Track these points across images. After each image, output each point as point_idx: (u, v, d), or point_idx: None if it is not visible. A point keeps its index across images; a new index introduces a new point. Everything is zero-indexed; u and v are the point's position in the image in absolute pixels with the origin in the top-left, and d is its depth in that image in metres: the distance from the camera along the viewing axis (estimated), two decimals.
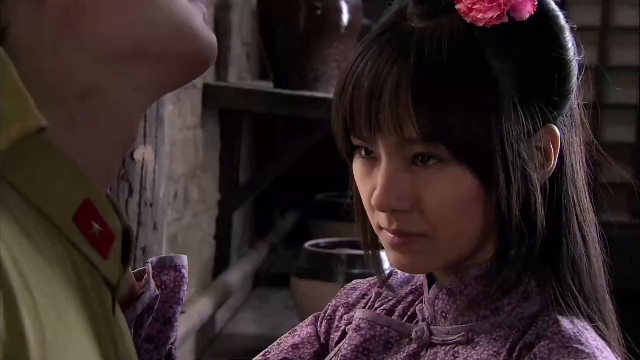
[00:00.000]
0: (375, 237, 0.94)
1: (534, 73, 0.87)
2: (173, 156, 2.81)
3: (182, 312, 3.22)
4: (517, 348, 0.86)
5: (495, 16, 0.85)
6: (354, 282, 1.04)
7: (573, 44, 0.91)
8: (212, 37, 0.69)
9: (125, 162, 2.30)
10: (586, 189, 0.92)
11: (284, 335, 1.02)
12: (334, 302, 1.03)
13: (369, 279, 1.04)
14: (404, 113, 0.84)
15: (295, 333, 1.02)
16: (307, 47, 3.41)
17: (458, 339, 0.89)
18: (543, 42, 0.88)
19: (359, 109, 0.87)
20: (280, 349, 1.00)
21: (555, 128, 0.89)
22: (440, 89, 0.84)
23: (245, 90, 3.46)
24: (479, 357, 0.87)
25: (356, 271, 3.27)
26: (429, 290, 0.92)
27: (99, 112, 0.65)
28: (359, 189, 0.91)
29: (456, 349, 0.89)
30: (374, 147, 0.88)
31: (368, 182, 0.89)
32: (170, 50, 0.66)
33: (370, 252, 0.96)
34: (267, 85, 3.58)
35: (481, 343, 0.88)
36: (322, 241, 3.56)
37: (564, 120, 0.90)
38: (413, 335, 0.92)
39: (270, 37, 3.48)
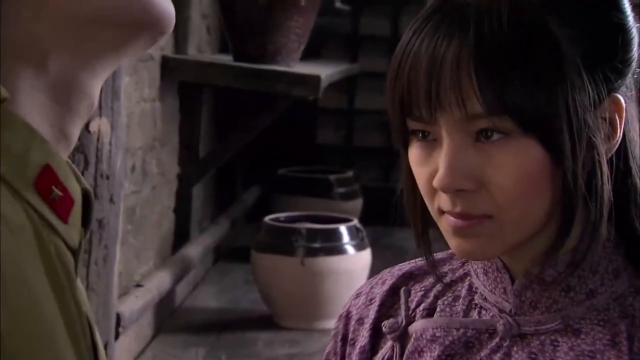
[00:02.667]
0: (428, 228, 0.90)
1: (597, 38, 0.85)
2: (130, 128, 2.79)
3: (140, 285, 3.19)
4: (637, 337, 0.84)
5: None
6: (355, 294, 0.99)
7: (631, 11, 0.89)
8: (170, 7, 0.69)
9: (81, 134, 2.28)
10: None
11: None
12: (342, 320, 0.98)
13: (365, 286, 0.99)
14: (467, 87, 0.82)
15: None
16: (267, 20, 3.39)
17: (555, 327, 0.87)
18: (604, 6, 0.86)
19: (417, 88, 0.84)
20: None
21: (621, 97, 0.87)
22: (504, 59, 0.82)
23: (205, 63, 3.44)
24: (591, 348, 0.85)
25: (316, 245, 3.27)
26: (511, 282, 0.89)
27: (59, 79, 0.65)
28: (416, 175, 0.87)
29: (553, 337, 0.87)
30: (433, 127, 0.85)
31: (427, 165, 0.86)
32: (129, 19, 0.66)
33: (423, 244, 0.92)
34: (227, 59, 3.56)
35: (584, 330, 0.86)
36: (282, 215, 3.56)
37: (625, 91, 0.88)
38: (499, 328, 0.88)
39: (230, 9, 3.46)
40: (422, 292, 0.95)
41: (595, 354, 0.84)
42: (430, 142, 0.85)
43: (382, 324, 0.94)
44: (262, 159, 4.71)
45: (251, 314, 3.38)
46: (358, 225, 3.36)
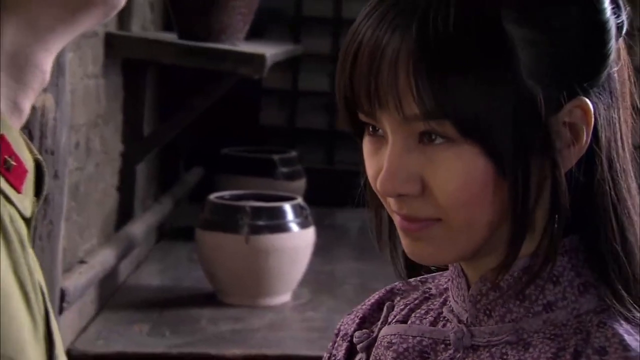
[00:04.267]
0: (392, 226, 0.85)
1: (558, 39, 0.77)
2: (73, 105, 2.77)
3: (83, 262, 3.16)
4: (585, 354, 0.78)
5: None
6: (350, 312, 0.95)
7: (610, 2, 0.80)
8: None
9: None
10: (632, 171, 0.82)
11: None
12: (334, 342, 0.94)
13: (361, 304, 0.95)
14: (404, 86, 0.75)
15: None
16: None
17: (506, 339, 0.81)
18: (570, 2, 0.78)
19: (359, 81, 0.77)
20: None
21: (587, 101, 0.78)
22: (446, 58, 0.74)
23: (149, 40, 3.43)
24: None
25: (260, 223, 3.29)
26: (467, 288, 0.83)
27: (12, 54, 0.66)
28: (367, 170, 0.81)
29: (504, 350, 0.81)
30: (378, 123, 0.78)
31: (374, 161, 0.80)
32: None
33: (384, 243, 0.87)
34: (171, 37, 3.55)
35: (534, 343, 0.80)
36: (226, 193, 3.57)
37: (599, 92, 0.79)
38: (451, 337, 0.83)
39: None
40: (402, 307, 0.90)
41: None
42: (380, 137, 0.80)
43: (354, 335, 0.90)
44: (205, 139, 4.70)
45: (195, 291, 3.39)
46: (302, 203, 3.38)
